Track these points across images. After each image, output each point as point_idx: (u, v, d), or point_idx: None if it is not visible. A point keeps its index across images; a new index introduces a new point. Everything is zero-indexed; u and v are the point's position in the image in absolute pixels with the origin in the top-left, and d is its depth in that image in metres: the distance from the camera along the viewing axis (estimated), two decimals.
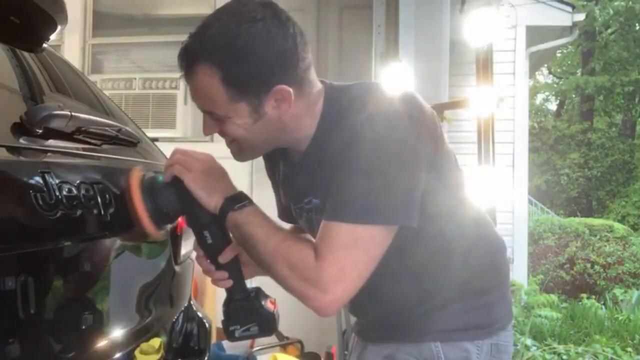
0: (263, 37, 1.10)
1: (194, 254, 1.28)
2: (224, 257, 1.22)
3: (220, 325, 1.26)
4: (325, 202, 1.13)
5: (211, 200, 1.17)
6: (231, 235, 1.21)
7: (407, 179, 1.10)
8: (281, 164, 1.33)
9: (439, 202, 1.19)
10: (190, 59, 1.12)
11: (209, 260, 1.24)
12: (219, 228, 1.20)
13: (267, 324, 1.24)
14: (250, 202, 1.17)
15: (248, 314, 1.23)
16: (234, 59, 1.09)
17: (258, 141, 1.20)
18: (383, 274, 1.14)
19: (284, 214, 1.42)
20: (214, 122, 1.18)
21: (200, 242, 1.23)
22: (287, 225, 1.37)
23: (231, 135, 1.19)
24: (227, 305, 1.24)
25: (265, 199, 1.40)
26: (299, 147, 1.23)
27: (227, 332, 1.23)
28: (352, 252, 1.08)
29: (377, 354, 1.30)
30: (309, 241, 1.15)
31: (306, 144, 1.22)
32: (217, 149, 1.30)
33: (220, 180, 1.20)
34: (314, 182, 1.21)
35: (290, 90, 1.13)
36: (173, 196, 1.20)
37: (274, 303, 1.26)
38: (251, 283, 1.26)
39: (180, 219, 1.44)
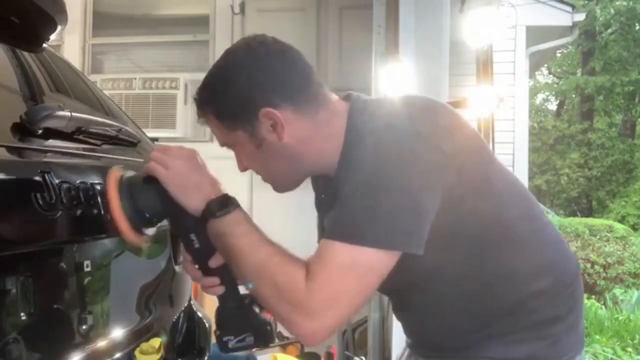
0: (239, 65, 1.12)
1: None
2: (215, 262, 1.12)
3: None
4: None
5: (191, 203, 1.08)
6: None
7: (412, 202, 1.01)
8: (320, 191, 1.27)
9: (491, 225, 1.10)
10: (197, 108, 1.18)
11: (197, 266, 1.15)
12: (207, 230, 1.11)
13: (263, 334, 1.14)
14: (235, 207, 1.08)
15: (242, 324, 1.14)
16: (216, 93, 1.13)
17: (277, 170, 1.17)
18: (439, 299, 1.10)
19: None
20: (239, 157, 1.19)
21: (187, 247, 1.14)
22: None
23: (246, 165, 1.19)
24: (219, 313, 1.15)
25: (265, 202, 1.39)
26: (329, 174, 1.16)
27: (221, 343, 1.14)
28: (347, 276, 0.99)
29: None
30: (300, 260, 1.04)
31: (334, 170, 1.14)
32: (217, 149, 1.29)
33: (200, 179, 1.10)
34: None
35: (277, 112, 1.09)
36: (154, 197, 1.11)
37: None
38: None
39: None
